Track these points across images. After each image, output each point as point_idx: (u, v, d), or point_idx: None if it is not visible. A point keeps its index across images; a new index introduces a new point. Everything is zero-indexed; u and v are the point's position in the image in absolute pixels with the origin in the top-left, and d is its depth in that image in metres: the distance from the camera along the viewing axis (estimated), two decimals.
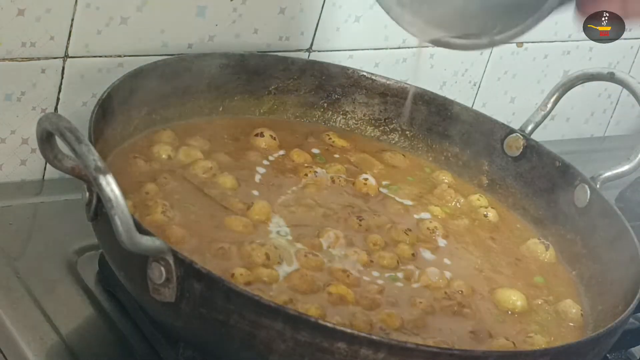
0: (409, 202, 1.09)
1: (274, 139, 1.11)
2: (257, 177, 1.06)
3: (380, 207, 1.07)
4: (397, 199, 1.09)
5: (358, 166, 1.12)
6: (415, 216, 1.07)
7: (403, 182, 1.13)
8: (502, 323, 0.97)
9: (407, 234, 1.03)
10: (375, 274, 0.97)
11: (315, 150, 1.13)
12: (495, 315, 0.98)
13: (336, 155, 1.13)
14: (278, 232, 0.98)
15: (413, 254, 1.01)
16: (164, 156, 1.03)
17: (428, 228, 1.05)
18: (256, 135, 1.11)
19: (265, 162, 1.08)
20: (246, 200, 1.00)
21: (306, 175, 1.08)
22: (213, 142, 1.08)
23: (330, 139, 1.15)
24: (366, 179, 1.10)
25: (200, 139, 1.07)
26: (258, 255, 0.93)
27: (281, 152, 1.11)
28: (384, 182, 1.11)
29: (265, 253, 0.93)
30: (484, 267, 1.04)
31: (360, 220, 1.03)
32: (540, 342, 0.94)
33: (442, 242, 1.05)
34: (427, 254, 1.03)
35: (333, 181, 1.08)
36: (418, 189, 1.12)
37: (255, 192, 1.03)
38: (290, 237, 0.98)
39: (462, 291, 0.98)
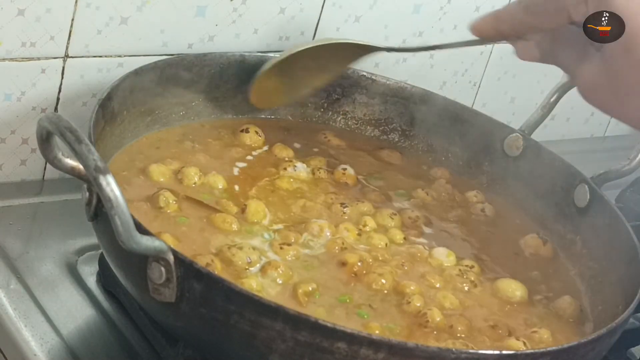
0: (390, 192, 1.10)
1: (259, 135, 1.11)
2: (236, 171, 1.05)
3: (360, 196, 1.07)
4: (375, 187, 1.09)
5: (337, 158, 1.12)
6: (396, 204, 1.08)
7: (394, 175, 1.13)
8: (504, 313, 0.97)
9: (392, 218, 1.03)
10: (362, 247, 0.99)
11: (296, 145, 1.12)
12: (496, 306, 0.98)
13: (315, 149, 1.13)
14: (263, 229, 0.97)
15: (405, 238, 1.02)
16: (162, 180, 1.01)
17: (410, 217, 1.06)
18: (241, 131, 1.10)
19: (249, 157, 1.08)
20: (230, 198, 1.00)
21: (285, 169, 1.07)
22: (202, 143, 1.08)
23: (325, 137, 1.15)
24: (345, 169, 1.10)
25: (198, 138, 1.07)
26: (239, 260, 0.92)
27: (265, 148, 1.10)
28: (367, 174, 1.11)
29: (247, 256, 0.92)
30: (483, 259, 1.04)
31: (344, 208, 1.03)
32: (546, 337, 0.94)
33: (427, 229, 1.05)
34: (420, 239, 1.03)
35: (313, 173, 1.08)
36: (404, 180, 1.12)
37: (236, 187, 1.03)
38: (273, 234, 0.97)
39: (472, 266, 0.99)
